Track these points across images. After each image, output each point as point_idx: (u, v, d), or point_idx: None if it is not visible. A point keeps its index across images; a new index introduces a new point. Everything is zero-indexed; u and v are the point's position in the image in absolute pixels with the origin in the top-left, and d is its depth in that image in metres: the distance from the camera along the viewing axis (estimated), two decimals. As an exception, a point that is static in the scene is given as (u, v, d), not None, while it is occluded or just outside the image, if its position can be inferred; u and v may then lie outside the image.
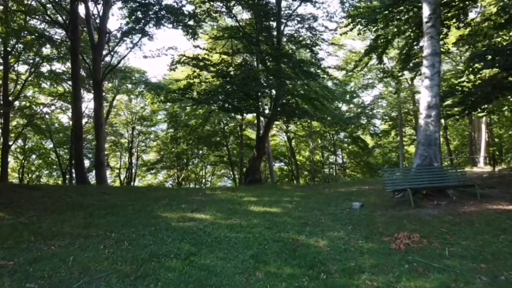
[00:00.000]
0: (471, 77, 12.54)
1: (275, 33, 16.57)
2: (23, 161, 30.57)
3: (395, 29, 14.47)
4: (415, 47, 14.46)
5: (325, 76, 16.32)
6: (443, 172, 8.99)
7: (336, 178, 34.23)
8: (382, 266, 4.50)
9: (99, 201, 8.72)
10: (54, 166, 31.83)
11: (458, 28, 13.79)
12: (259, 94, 15.74)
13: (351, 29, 14.33)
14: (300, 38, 16.12)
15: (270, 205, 8.47)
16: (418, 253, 4.93)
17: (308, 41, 15.93)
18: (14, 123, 26.40)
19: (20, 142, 29.93)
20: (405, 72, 18.08)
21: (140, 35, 16.53)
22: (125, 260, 4.69)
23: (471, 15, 15.33)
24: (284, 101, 15.80)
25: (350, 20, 13.88)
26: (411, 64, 15.19)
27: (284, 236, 5.90)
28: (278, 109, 15.72)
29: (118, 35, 20.85)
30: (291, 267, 4.54)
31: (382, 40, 14.79)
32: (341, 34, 14.90)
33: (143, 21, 15.20)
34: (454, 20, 13.21)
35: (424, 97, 9.16)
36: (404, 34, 14.88)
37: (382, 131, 33.00)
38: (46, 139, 29.54)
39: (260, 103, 16.71)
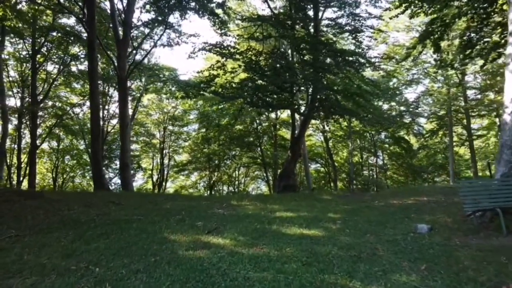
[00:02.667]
0: None
1: (311, 23, 14.67)
2: (56, 161, 30.51)
3: (456, 10, 12.19)
4: (482, 31, 12.11)
5: (371, 67, 14.14)
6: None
7: (377, 182, 31.87)
8: None
9: (101, 215, 7.29)
10: (88, 167, 31.57)
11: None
12: (294, 87, 13.86)
13: (402, 12, 12.23)
14: (342, 24, 14.00)
15: (308, 224, 6.67)
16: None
17: (350, 28, 13.81)
18: (48, 123, 26.17)
19: (54, 143, 29.98)
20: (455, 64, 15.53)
21: (163, 28, 15.17)
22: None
23: None
24: (322, 96, 13.79)
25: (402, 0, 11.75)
26: (474, 52, 12.80)
27: (329, 281, 4.11)
28: (316, 104, 13.75)
29: (146, 30, 19.93)
30: None
31: (438, 24, 12.53)
32: (390, 18, 12.80)
33: (166, 10, 13.83)
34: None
35: (510, 86, 7.01)
36: (466, 16, 12.56)
37: (428, 131, 30.22)
38: (78, 140, 29.27)
39: (295, 99, 14.84)
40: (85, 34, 20.40)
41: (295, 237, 5.85)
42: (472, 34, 12.51)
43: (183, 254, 5.02)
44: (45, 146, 29.43)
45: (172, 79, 22.65)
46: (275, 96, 13.48)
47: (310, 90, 14.38)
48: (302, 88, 15.01)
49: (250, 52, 13.47)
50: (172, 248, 5.27)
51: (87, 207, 7.99)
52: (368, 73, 16.48)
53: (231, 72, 13.61)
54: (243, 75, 13.77)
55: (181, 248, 5.27)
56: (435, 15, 12.47)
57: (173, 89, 21.95)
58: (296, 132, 15.83)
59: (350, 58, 13.02)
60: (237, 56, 13.08)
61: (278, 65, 12.97)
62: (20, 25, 18.28)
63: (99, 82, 25.03)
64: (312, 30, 14.39)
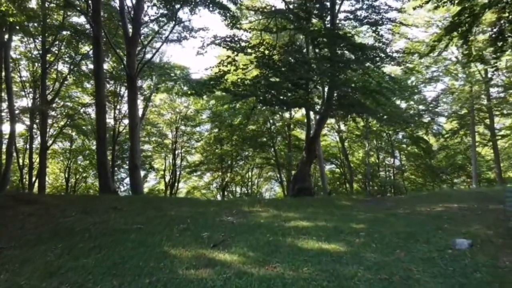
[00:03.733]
0: None
1: (328, 16, 13.77)
2: (69, 162, 30.35)
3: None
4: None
5: (393, 62, 13.12)
6: None
7: (395, 184, 30.78)
8: None
9: (98, 224, 6.64)
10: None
11: None
12: (310, 84, 12.98)
13: (427, 1, 11.29)
14: (361, 17, 13.00)
15: (327, 236, 5.88)
16: None
17: (371, 20, 12.81)
18: (61, 124, 25.90)
19: (67, 143, 29.80)
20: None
21: (173, 24, 14.52)
22: None
23: None
24: (341, 93, 12.82)
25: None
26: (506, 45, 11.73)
27: (357, 315, 3.33)
28: (333, 102, 12.78)
29: (155, 28, 19.39)
30: None
31: (467, 15, 11.53)
32: (414, 8, 11.80)
33: (175, 4, 13.17)
34: None
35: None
36: (496, 5, 11.53)
37: (447, 131, 28.99)
38: (90, 140, 28.95)
39: (310, 96, 13.92)
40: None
41: (313, 253, 5.07)
42: (505, 25, 11.46)
43: (183, 274, 4.30)
44: (57, 146, 29.29)
45: (183, 78, 22.05)
46: (289, 94, 12.58)
47: (326, 87, 13.46)
48: (318, 86, 14.13)
49: (263, 46, 12.61)
50: (171, 266, 4.55)
51: (85, 214, 7.36)
52: (387, 69, 15.46)
53: (243, 68, 12.88)
54: (255, 72, 12.92)
55: (181, 266, 4.55)
56: (464, 5, 11.49)
57: (185, 88, 21.36)
58: (312, 132, 14.96)
59: (371, 53, 12.09)
60: (249, 51, 12.22)
61: (293, 60, 12.08)
62: (28, 23, 17.97)
63: (110, 81, 24.82)
64: (328, 24, 13.51)
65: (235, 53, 12.25)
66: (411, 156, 32.54)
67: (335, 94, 12.92)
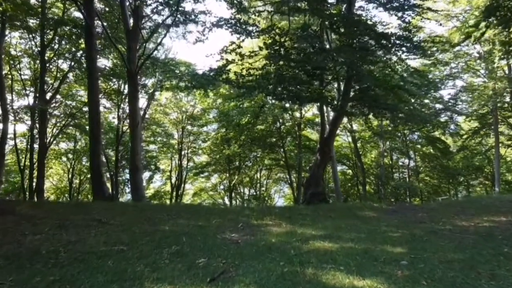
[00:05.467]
0: None
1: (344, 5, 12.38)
2: (73, 162, 29.49)
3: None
4: None
5: (421, 54, 11.63)
6: None
7: (410, 187, 29.42)
8: None
9: (72, 243, 5.39)
10: (104, 168, 30.35)
11: None
12: (326, 76, 11.51)
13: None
14: (383, 1, 11.50)
15: (358, 266, 4.53)
16: None
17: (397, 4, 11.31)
18: (64, 123, 24.89)
19: (70, 143, 28.87)
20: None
21: (175, 14, 13.28)
22: None
23: None
24: (364, 86, 11.32)
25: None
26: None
27: None
28: (351, 96, 11.21)
29: (159, 20, 18.21)
30: None
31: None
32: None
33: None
34: None
35: None
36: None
37: (467, 131, 27.47)
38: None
39: (327, 89, 12.47)
40: (98, 29, 19.03)
41: (344, 294, 3.76)
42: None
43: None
44: (59, 147, 28.45)
45: (189, 75, 20.81)
46: (303, 88, 11.12)
47: (342, 81, 12.00)
48: (334, 81, 12.66)
49: (273, 32, 11.20)
50: (149, 317, 3.28)
51: (60, 230, 6.12)
52: (410, 62, 13.98)
53: (250, 55, 11.38)
54: (264, 62, 11.46)
55: (163, 317, 3.27)
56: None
57: (189, 85, 20.12)
58: (326, 131, 13.58)
59: (398, 42, 10.64)
60: (256, 34, 10.81)
61: (309, 46, 10.63)
62: (26, 18, 17.02)
63: (113, 79, 23.75)
64: (344, 11, 12.07)
65: (241, 38, 10.82)
66: (426, 157, 31.22)
67: (357, 88, 11.49)
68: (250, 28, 10.92)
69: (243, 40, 10.84)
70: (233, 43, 10.72)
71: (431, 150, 29.61)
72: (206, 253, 5.09)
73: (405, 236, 6.03)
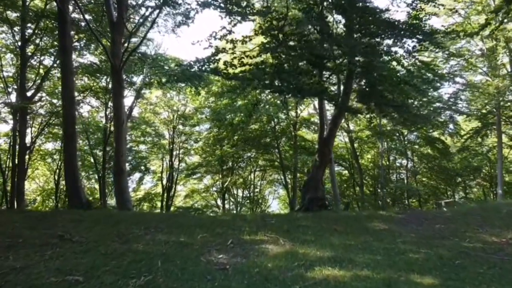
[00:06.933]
0: None
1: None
2: (59, 163, 28.15)
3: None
4: None
5: (434, 45, 10.51)
6: None
7: (408, 188, 28.69)
8: None
9: (16, 272, 4.21)
10: (93, 169, 29.22)
11: None
12: (331, 64, 10.27)
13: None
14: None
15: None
16: None
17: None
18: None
19: (57, 143, 27.58)
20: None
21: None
22: None
23: None
24: (372, 78, 10.13)
25: None
26: None
27: None
28: (353, 89, 9.99)
29: (146, 13, 17.03)
30: None
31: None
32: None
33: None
34: None
35: None
36: None
37: (468, 131, 26.73)
38: (83, 140, 26.63)
39: (329, 80, 11.31)
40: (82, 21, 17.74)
41: None
42: None
43: None
44: (48, 146, 27.25)
45: (178, 71, 19.63)
46: (305, 79, 9.88)
47: (345, 72, 10.82)
48: (340, 75, 11.48)
49: (269, 15, 9.90)
50: None
51: (10, 251, 4.93)
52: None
53: (243, 41, 10.04)
54: (259, 50, 10.21)
55: None
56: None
57: (174, 78, 18.85)
58: (326, 131, 12.48)
59: (408, 30, 9.55)
60: (252, 18, 9.54)
61: (312, 32, 9.45)
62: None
63: (99, 76, 22.51)
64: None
65: (232, 23, 9.53)
66: (424, 157, 30.52)
67: (363, 82, 10.37)
68: (243, 10, 9.62)
69: (235, 25, 9.53)
70: (223, 27, 9.46)
71: (429, 151, 28.76)
72: (184, 284, 3.96)
73: (431, 259, 4.94)
